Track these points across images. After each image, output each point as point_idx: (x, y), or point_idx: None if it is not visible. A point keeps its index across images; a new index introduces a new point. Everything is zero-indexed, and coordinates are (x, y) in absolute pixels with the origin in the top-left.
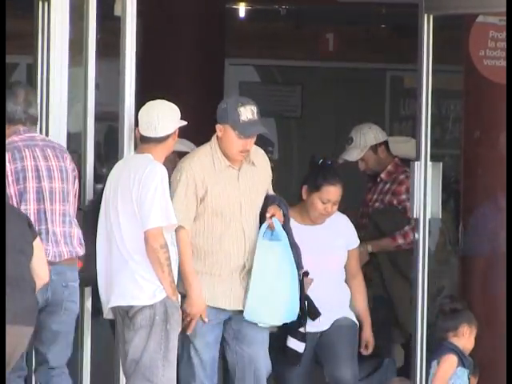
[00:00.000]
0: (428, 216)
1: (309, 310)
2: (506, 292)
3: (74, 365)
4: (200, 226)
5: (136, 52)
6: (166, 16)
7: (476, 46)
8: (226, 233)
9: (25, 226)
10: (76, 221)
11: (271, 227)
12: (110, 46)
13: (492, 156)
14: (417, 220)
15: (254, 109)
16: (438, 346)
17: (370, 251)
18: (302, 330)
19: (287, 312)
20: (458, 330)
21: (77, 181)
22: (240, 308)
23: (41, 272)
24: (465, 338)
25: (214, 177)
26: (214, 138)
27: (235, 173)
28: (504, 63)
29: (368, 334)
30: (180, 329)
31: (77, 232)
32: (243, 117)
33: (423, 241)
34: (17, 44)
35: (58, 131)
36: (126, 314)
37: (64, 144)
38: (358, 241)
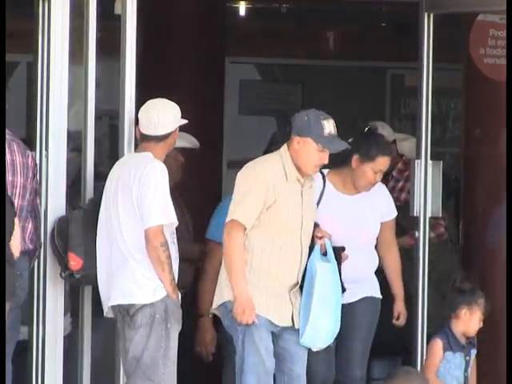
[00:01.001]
0: (428, 214)
1: None
2: (506, 292)
3: (74, 363)
4: (261, 236)
5: (136, 50)
6: (166, 14)
7: (476, 45)
8: (286, 247)
9: (8, 204)
10: (33, 216)
11: (323, 248)
12: (110, 45)
13: (492, 154)
14: (417, 218)
15: (334, 123)
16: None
17: None
18: None
19: (335, 333)
20: (457, 312)
21: (36, 178)
22: (289, 325)
23: (13, 249)
24: (464, 321)
25: (284, 187)
26: (284, 149)
27: (299, 187)
28: (504, 61)
29: (401, 306)
30: (180, 327)
31: (30, 227)
32: (327, 130)
33: (423, 239)
34: (17, 42)
35: (59, 129)
36: (126, 312)
37: (65, 142)
38: (395, 211)
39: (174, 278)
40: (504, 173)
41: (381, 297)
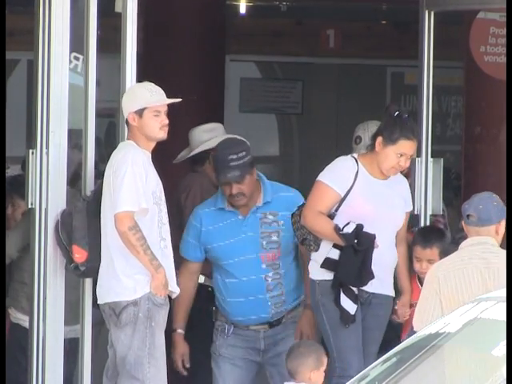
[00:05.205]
0: (429, 212)
1: (365, 273)
2: (506, 291)
3: (73, 361)
4: None
5: (136, 48)
6: (166, 12)
7: (476, 43)
8: None
9: None
10: None
11: None
12: (110, 42)
13: (492, 152)
14: (418, 216)
15: None
16: None
17: None
18: (354, 289)
19: None
20: None
21: None
22: None
23: None
24: None
25: None
26: None
27: None
28: (504, 59)
29: (407, 300)
30: (165, 325)
31: None
32: None
33: None
34: (17, 40)
35: (59, 127)
36: (113, 311)
37: (65, 140)
38: (412, 206)
39: (153, 257)
40: (504, 170)
41: (393, 294)
